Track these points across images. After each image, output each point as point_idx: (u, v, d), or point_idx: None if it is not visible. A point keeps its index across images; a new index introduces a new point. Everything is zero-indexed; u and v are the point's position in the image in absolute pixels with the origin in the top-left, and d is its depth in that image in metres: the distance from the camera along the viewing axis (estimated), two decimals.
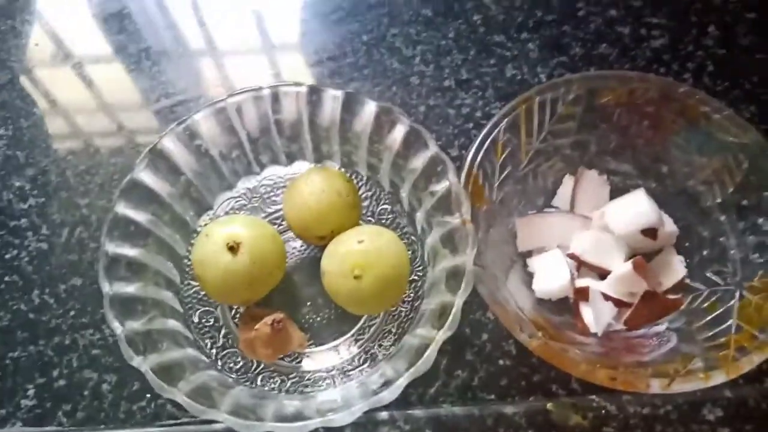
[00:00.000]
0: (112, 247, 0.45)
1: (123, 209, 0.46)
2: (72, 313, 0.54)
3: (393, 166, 0.51)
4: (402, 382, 0.40)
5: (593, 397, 0.47)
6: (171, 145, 0.48)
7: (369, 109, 0.49)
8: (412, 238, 0.53)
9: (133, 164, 0.48)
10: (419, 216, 0.51)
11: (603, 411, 0.47)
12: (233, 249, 0.46)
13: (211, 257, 0.47)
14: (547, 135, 0.52)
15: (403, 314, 0.51)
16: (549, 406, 0.47)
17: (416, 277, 0.52)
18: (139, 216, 0.47)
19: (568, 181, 0.54)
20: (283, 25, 0.69)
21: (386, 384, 0.41)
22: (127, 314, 0.44)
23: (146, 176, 0.48)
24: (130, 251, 0.46)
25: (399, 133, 0.48)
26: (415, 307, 0.50)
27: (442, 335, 0.41)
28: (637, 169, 0.54)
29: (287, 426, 0.38)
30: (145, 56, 0.67)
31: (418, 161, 0.48)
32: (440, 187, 0.47)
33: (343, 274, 0.46)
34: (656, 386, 0.41)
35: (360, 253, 0.46)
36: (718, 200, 0.50)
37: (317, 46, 0.66)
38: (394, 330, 0.50)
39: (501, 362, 0.50)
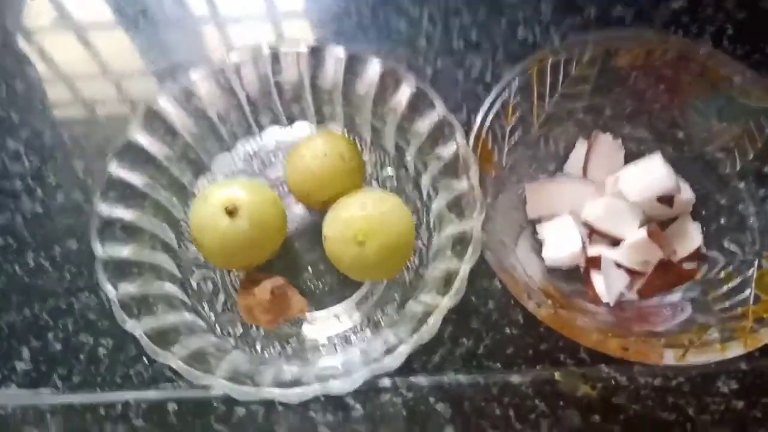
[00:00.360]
0: (106, 209, 0.44)
1: (117, 171, 0.45)
2: (68, 276, 0.52)
3: (398, 129, 0.49)
4: (405, 349, 0.38)
5: (603, 366, 0.46)
6: (167, 105, 0.46)
7: (373, 69, 0.47)
8: (417, 203, 0.51)
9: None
10: (425, 180, 0.49)
11: (613, 381, 0.45)
12: (232, 213, 0.45)
13: (209, 221, 0.45)
14: (559, 98, 0.50)
15: (407, 281, 0.49)
16: (557, 375, 0.46)
17: (421, 244, 0.50)
18: (134, 178, 0.46)
19: (580, 146, 0.52)
20: None
21: (389, 351, 0.39)
22: (121, 277, 0.42)
23: (141, 137, 0.46)
24: (124, 213, 0.45)
25: (404, 94, 0.46)
26: (420, 274, 0.49)
27: (447, 302, 0.39)
28: (653, 135, 0.52)
29: (285, 392, 0.37)
30: (144, 20, 0.65)
31: (425, 124, 0.46)
32: (447, 151, 0.45)
33: (346, 240, 0.45)
34: (670, 357, 0.39)
35: (363, 218, 0.45)
36: (738, 167, 0.48)
37: (321, 7, 0.64)
38: (397, 297, 0.49)
39: (507, 330, 0.49)
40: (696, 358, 0.39)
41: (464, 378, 0.46)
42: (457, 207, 0.44)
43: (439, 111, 0.45)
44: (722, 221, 0.48)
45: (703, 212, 0.49)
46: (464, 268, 0.40)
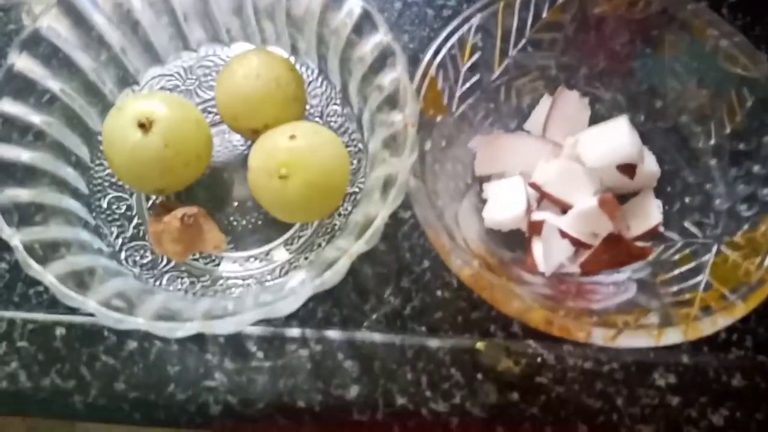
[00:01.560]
0: (6, 106, 0.39)
1: (22, 64, 0.40)
2: None
3: (342, 57, 0.44)
4: (302, 294, 0.34)
5: (531, 342, 0.42)
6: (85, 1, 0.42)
7: None
8: (359, 146, 0.47)
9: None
10: (366, 116, 0.44)
11: (539, 359, 0.41)
12: (144, 126, 0.40)
13: (119, 134, 0.41)
14: (527, 44, 0.45)
15: (337, 227, 0.45)
16: (478, 345, 0.42)
17: (358, 189, 0.46)
18: (43, 76, 0.41)
19: (545, 102, 0.47)
20: None
21: (285, 295, 0.35)
22: (12, 182, 0.38)
23: (55, 30, 0.41)
24: (27, 114, 0.40)
25: (348, 14, 0.41)
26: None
27: (357, 248, 0.35)
28: (626, 98, 0.47)
29: (155, 324, 0.33)
30: None
31: (366, 48, 0.41)
32: (387, 81, 0.40)
33: (268, 172, 0.41)
34: (599, 337, 0.35)
35: (289, 150, 0.40)
36: (712, 142, 0.43)
37: None
38: (324, 243, 0.45)
39: (439, 293, 0.45)
40: (628, 340, 0.35)
41: (379, 336, 0.43)
42: (392, 146, 0.39)
43: (381, 35, 0.40)
44: (687, 200, 0.44)
45: (668, 189, 0.45)
46: (383, 213, 0.36)
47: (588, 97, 0.46)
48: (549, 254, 0.41)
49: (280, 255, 0.45)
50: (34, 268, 0.35)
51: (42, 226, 0.38)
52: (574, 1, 0.44)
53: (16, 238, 0.36)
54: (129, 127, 0.41)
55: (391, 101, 0.40)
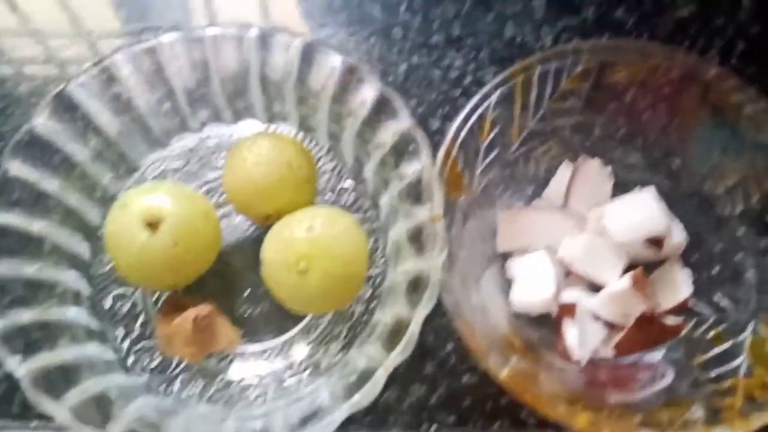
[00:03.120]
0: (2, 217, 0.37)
1: (16, 169, 0.37)
2: None
3: (358, 137, 0.42)
4: (335, 419, 0.32)
5: None
6: (82, 92, 0.39)
7: (332, 64, 0.40)
8: (375, 223, 0.45)
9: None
10: (385, 199, 0.42)
11: None
12: (152, 226, 0.38)
13: (126, 233, 0.39)
14: (545, 113, 0.44)
15: (356, 315, 0.43)
16: None
17: (377, 271, 0.44)
18: (38, 179, 0.38)
19: (564, 170, 0.45)
20: None
21: (317, 412, 0.33)
22: (10, 302, 0.35)
23: (49, 129, 0.38)
24: (22, 222, 0.37)
25: (367, 97, 0.39)
26: (370, 309, 0.43)
27: (392, 360, 0.33)
28: (646, 162, 0.46)
29: None
30: None
31: (387, 134, 0.39)
32: (411, 171, 0.38)
33: (286, 266, 0.38)
34: None
35: (307, 242, 0.38)
36: (739, 209, 0.42)
37: None
38: (344, 333, 0.42)
39: (465, 379, 0.43)
40: None
41: None
42: (417, 239, 0.38)
43: (404, 122, 0.38)
44: (715, 270, 0.43)
45: (695, 257, 0.44)
46: (416, 319, 0.34)
47: (609, 165, 0.45)
48: (584, 340, 0.39)
49: (299, 348, 0.43)
50: (47, 405, 0.32)
51: (48, 350, 0.35)
52: (593, 70, 0.42)
53: (23, 369, 0.33)
54: (135, 227, 0.38)
55: (415, 190, 0.38)
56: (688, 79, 0.42)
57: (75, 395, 0.33)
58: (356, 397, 0.33)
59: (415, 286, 0.36)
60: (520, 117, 0.43)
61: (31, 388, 0.32)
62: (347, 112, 0.41)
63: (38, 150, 0.38)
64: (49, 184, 0.39)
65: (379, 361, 0.34)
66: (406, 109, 0.38)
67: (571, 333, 0.40)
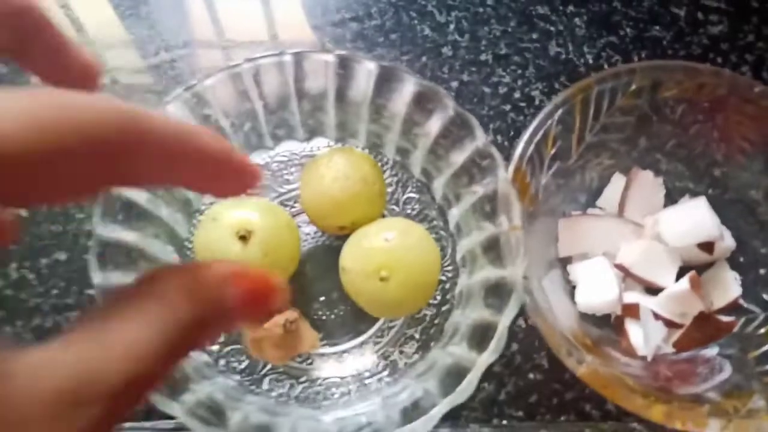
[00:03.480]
0: (104, 231, 0.39)
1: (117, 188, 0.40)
2: (54, 291, 0.48)
3: (429, 154, 0.45)
4: (438, 412, 0.35)
5: (634, 425, 0.43)
6: (177, 112, 0.42)
7: (408, 88, 0.42)
8: (442, 233, 0.48)
9: None
10: (454, 212, 0.45)
11: None
12: (244, 238, 0.41)
13: (219, 246, 0.41)
14: (601, 128, 0.47)
15: (427, 318, 0.46)
16: (587, 431, 0.43)
17: (445, 278, 0.46)
18: (136, 194, 0.41)
19: (617, 180, 0.48)
20: None
21: (417, 407, 0.36)
22: None
23: None
24: (124, 235, 0.40)
25: (441, 118, 0.42)
26: (442, 312, 0.45)
27: (485, 359, 0.36)
28: (691, 172, 0.49)
29: None
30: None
31: (462, 153, 0.42)
32: (485, 185, 0.41)
33: (367, 274, 0.41)
34: (715, 427, 0.37)
35: (387, 252, 0.41)
36: None
37: (339, 4, 0.59)
38: (417, 336, 0.45)
39: (531, 376, 0.46)
40: (739, 430, 0.37)
41: (476, 428, 0.43)
42: (493, 250, 0.40)
43: (479, 140, 0.41)
44: (762, 271, 0.46)
45: (741, 259, 0.47)
46: (504, 323, 0.37)
47: (659, 174, 0.48)
48: (649, 337, 0.42)
49: (371, 349, 0.45)
50: (167, 404, 0.34)
51: None
52: (646, 88, 0.45)
53: None
54: (229, 240, 0.41)
55: (488, 203, 0.41)
56: (734, 96, 0.45)
57: (189, 397, 0.36)
58: (455, 393, 0.35)
59: (494, 291, 0.39)
60: (578, 132, 0.46)
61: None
62: (421, 131, 0.44)
63: None
64: (144, 197, 0.41)
65: (467, 359, 0.37)
66: (481, 128, 0.41)
67: (633, 331, 0.43)
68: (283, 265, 0.43)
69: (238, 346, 0.45)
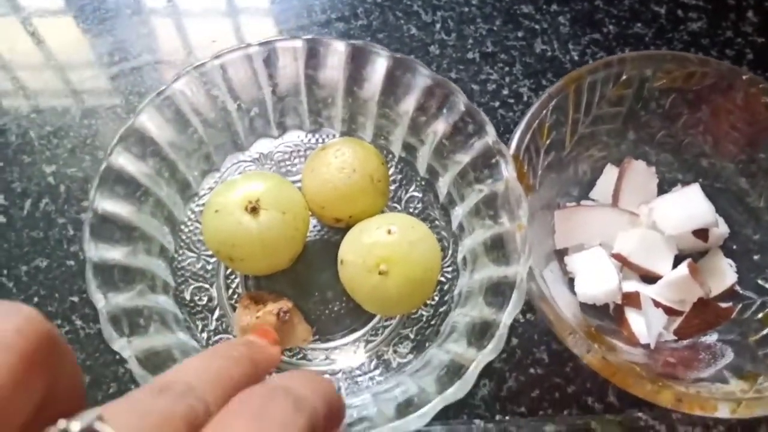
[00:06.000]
0: (103, 204, 0.38)
1: (120, 160, 0.39)
2: (35, 300, 0.45)
3: (436, 151, 0.44)
4: (433, 407, 0.34)
5: (639, 415, 0.42)
6: (185, 90, 0.41)
7: (419, 81, 0.42)
8: (444, 233, 0.47)
9: (108, 127, 0.40)
10: (458, 211, 0.44)
11: (651, 431, 0.42)
12: (255, 210, 0.40)
13: (236, 230, 0.40)
14: (593, 119, 0.47)
15: (423, 318, 0.45)
16: (593, 424, 0.42)
17: (444, 279, 0.46)
18: (138, 169, 0.40)
19: (610, 171, 0.49)
20: None
21: (411, 404, 0.35)
22: (112, 286, 0.36)
23: (151, 123, 0.40)
24: (122, 209, 0.39)
25: (452, 114, 0.41)
26: (439, 312, 0.44)
27: (485, 357, 0.35)
28: (680, 162, 0.49)
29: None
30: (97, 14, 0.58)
31: (470, 150, 0.41)
32: (491, 184, 0.40)
33: (367, 268, 0.40)
34: (725, 410, 0.36)
35: (389, 246, 0.40)
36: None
37: (324, 3, 0.59)
38: (412, 335, 0.44)
39: (532, 371, 0.45)
40: (751, 411, 0.36)
41: (494, 427, 0.42)
42: (497, 248, 0.40)
43: (489, 138, 0.40)
44: (755, 258, 0.46)
45: (734, 247, 0.47)
46: (505, 321, 0.36)
47: (651, 164, 0.48)
48: (650, 325, 0.42)
49: (364, 347, 0.44)
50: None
51: (145, 335, 0.36)
52: (636, 78, 0.46)
53: (128, 350, 0.34)
54: (241, 218, 0.40)
55: (493, 202, 0.40)
56: (722, 83, 0.46)
57: None
58: (451, 390, 0.34)
59: (495, 289, 0.38)
60: (572, 123, 0.46)
61: (138, 370, 0.33)
62: (429, 128, 0.43)
63: (137, 142, 0.40)
64: (146, 175, 0.40)
65: (465, 357, 0.36)
66: (491, 125, 0.41)
67: (634, 320, 0.43)
68: (302, 217, 0.42)
69: (228, 335, 0.43)
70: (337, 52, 0.42)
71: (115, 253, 0.37)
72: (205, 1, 0.59)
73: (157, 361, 0.35)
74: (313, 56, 0.42)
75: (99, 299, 0.35)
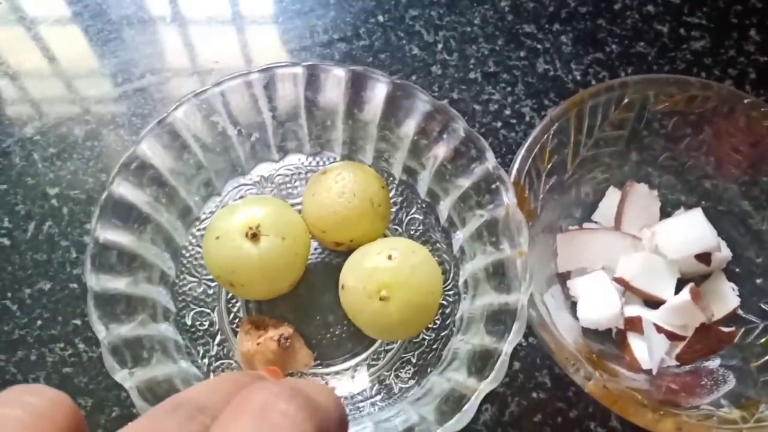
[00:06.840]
0: (104, 234, 0.38)
1: (120, 189, 0.39)
2: (39, 322, 0.46)
3: (436, 175, 0.44)
4: None
5: None
6: (185, 119, 0.41)
7: (419, 106, 0.42)
8: (445, 257, 0.47)
9: (111, 148, 0.41)
10: (459, 236, 0.44)
11: None
12: (255, 236, 0.40)
13: (237, 257, 0.40)
14: (595, 142, 0.47)
15: (425, 343, 0.45)
16: None
17: (446, 302, 0.46)
18: (139, 197, 0.40)
19: (612, 194, 0.48)
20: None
21: None
22: (113, 317, 0.36)
23: (152, 151, 0.40)
24: (123, 239, 0.39)
25: (452, 139, 0.41)
26: (441, 337, 0.44)
27: (485, 387, 0.35)
28: (683, 184, 0.49)
29: None
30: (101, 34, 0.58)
31: (471, 175, 0.41)
32: (492, 209, 0.40)
33: (368, 293, 0.40)
34: None
35: (390, 271, 0.40)
36: None
37: (327, 24, 0.59)
38: (413, 360, 0.44)
39: (534, 395, 0.45)
40: None
41: None
42: (498, 274, 0.40)
43: (489, 163, 0.40)
44: (758, 281, 0.46)
45: (737, 270, 0.47)
46: (506, 350, 0.36)
47: (654, 188, 0.48)
48: (653, 350, 0.42)
49: (366, 372, 0.44)
50: None
51: (147, 366, 0.36)
52: (638, 101, 0.46)
53: (129, 381, 0.34)
54: (242, 244, 0.40)
55: (495, 227, 0.40)
56: (724, 107, 0.46)
57: None
58: (452, 421, 0.34)
59: (496, 317, 0.38)
60: (573, 146, 0.46)
61: (139, 402, 0.33)
62: (430, 152, 0.43)
63: (139, 171, 0.40)
64: (145, 201, 0.41)
65: (465, 386, 0.36)
66: (491, 150, 0.41)
67: (636, 345, 0.43)
68: (303, 241, 0.42)
69: (229, 361, 0.43)
70: (337, 77, 0.42)
71: (116, 283, 0.37)
72: (210, 25, 0.59)
73: (158, 392, 0.35)
74: (313, 81, 0.42)
75: (101, 330, 0.35)
